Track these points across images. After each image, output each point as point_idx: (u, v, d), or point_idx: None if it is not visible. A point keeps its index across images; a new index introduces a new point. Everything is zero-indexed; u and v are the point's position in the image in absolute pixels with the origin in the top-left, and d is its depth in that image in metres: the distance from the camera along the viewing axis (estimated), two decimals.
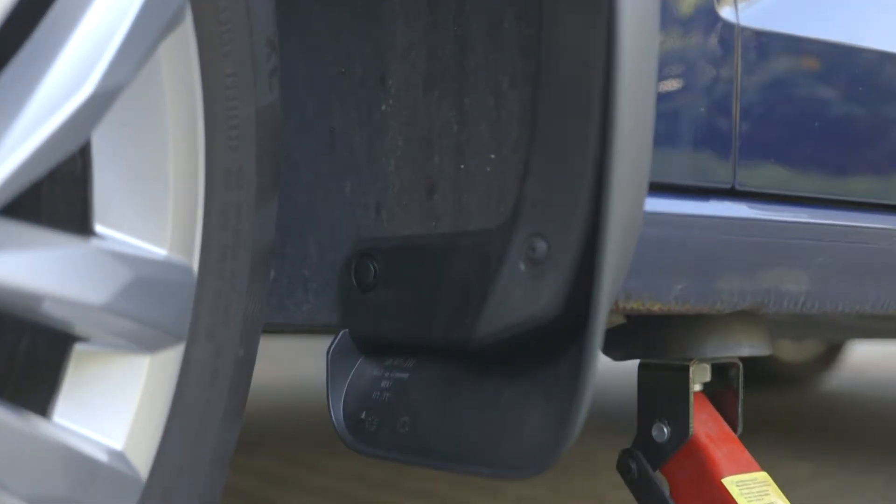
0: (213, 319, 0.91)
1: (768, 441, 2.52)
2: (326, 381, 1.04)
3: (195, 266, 0.90)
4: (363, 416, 1.02)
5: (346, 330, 1.05)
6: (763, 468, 1.11)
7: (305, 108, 1.09)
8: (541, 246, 0.87)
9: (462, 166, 0.97)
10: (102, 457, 0.83)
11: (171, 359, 0.89)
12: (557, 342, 0.89)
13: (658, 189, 0.93)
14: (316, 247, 1.09)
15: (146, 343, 0.87)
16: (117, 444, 0.86)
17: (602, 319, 0.82)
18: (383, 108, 1.03)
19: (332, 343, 1.05)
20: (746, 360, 1.15)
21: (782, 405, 3.26)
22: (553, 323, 0.88)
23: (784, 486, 1.17)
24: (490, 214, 0.96)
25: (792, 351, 3.44)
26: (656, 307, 0.93)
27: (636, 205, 0.86)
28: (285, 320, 1.10)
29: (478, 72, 0.96)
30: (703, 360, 1.11)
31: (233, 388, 0.94)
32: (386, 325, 1.02)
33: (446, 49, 0.99)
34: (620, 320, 1.12)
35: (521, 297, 0.88)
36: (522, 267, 0.88)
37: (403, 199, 1.02)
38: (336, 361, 1.04)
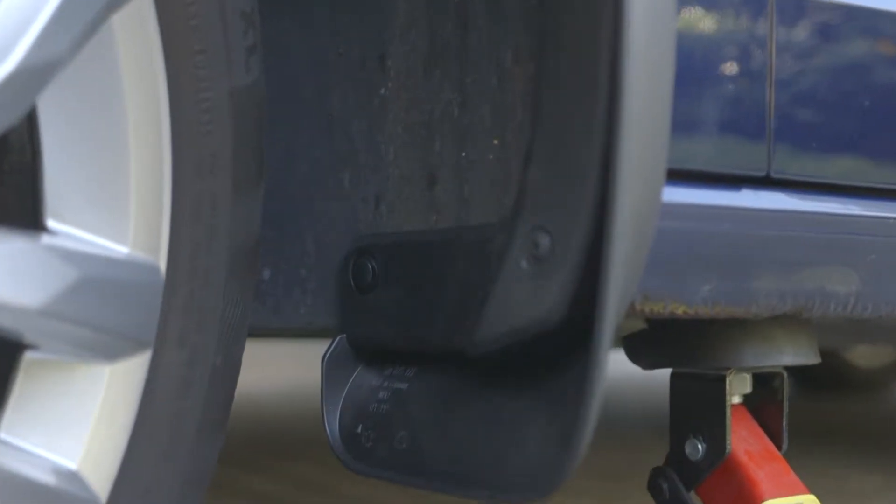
0: (184, 324, 0.83)
1: (838, 451, 2.39)
2: (321, 390, 0.95)
3: (163, 264, 0.81)
4: (359, 430, 0.92)
5: (344, 335, 0.96)
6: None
7: (303, 92, 1.00)
8: (544, 241, 0.77)
9: (463, 154, 0.88)
10: (50, 478, 0.75)
11: (135, 367, 0.80)
12: (564, 350, 0.78)
13: (681, 177, 0.83)
14: (313, 244, 1.00)
15: (104, 350, 0.78)
16: (71, 463, 0.77)
17: (610, 324, 0.72)
18: (383, 91, 0.94)
19: (327, 349, 0.95)
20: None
21: (854, 413, 3.11)
22: (558, 328, 0.77)
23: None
24: (493, 207, 0.86)
25: (866, 356, 3.29)
26: (680, 310, 0.83)
27: (650, 194, 0.75)
28: (282, 324, 1.02)
29: (480, 49, 0.87)
30: (742, 370, 1.00)
31: (210, 400, 0.85)
32: (385, 329, 0.93)
33: (447, 25, 0.89)
34: (643, 325, 1.01)
35: (522, 298, 0.78)
36: (524, 265, 0.78)
37: (403, 191, 0.93)
38: (332, 369, 0.95)
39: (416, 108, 0.92)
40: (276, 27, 0.99)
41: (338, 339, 0.96)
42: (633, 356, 1.04)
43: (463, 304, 0.85)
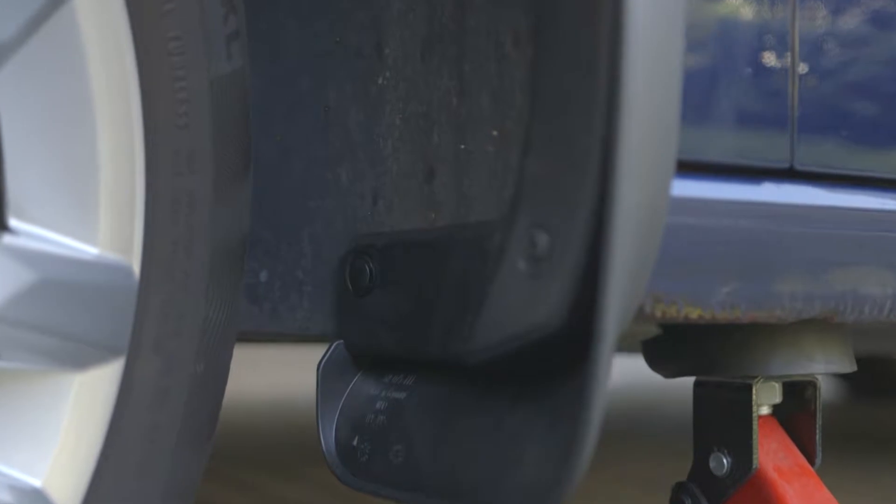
0: (161, 330, 0.77)
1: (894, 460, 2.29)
2: (316, 399, 0.89)
3: (136, 266, 0.76)
4: (356, 442, 0.86)
5: (341, 341, 0.90)
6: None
7: (299, 83, 0.94)
8: (542, 239, 0.71)
9: (462, 146, 0.82)
10: (7, 497, 0.69)
11: (106, 376, 0.75)
12: (566, 359, 0.72)
13: (695, 169, 0.76)
14: (310, 244, 0.94)
15: (71, 358, 0.73)
16: (35, 480, 0.72)
17: (611, 331, 0.65)
18: (380, 80, 0.89)
19: (324, 356, 0.90)
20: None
21: None
22: (559, 335, 0.71)
23: None
24: (492, 202, 0.80)
25: None
26: (695, 314, 0.76)
27: (657, 187, 0.68)
28: (278, 329, 0.96)
29: (479, 33, 0.80)
30: (769, 378, 0.93)
31: (190, 410, 0.80)
32: (383, 334, 0.87)
33: (446, 8, 0.83)
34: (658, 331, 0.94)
35: (520, 302, 0.72)
36: (521, 265, 0.72)
37: (401, 187, 0.87)
38: (328, 377, 0.89)
39: (414, 97, 0.86)
40: (271, 15, 0.93)
41: (335, 344, 0.90)
42: (653, 363, 0.97)
43: (460, 308, 0.79)
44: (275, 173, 0.95)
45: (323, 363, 0.90)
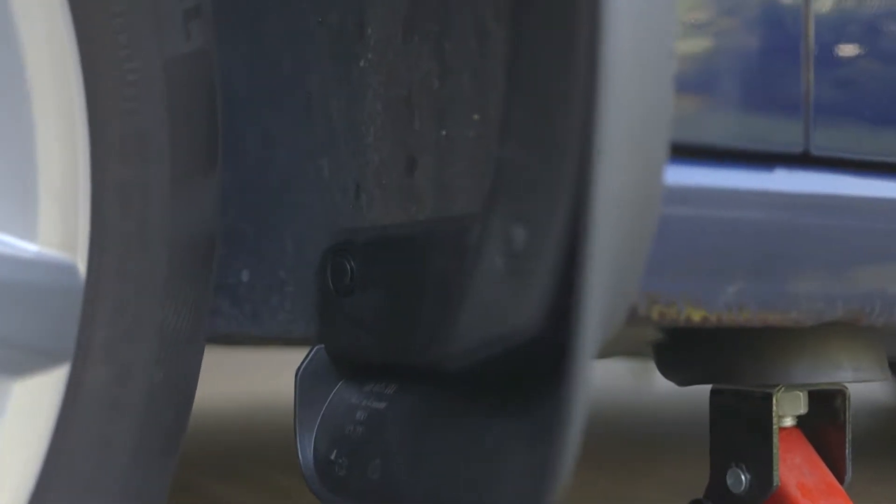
0: (112, 334, 0.71)
1: None
2: (294, 409, 0.82)
3: (82, 265, 0.70)
4: (333, 456, 0.79)
5: (322, 346, 0.83)
6: None
7: (281, 68, 0.88)
8: (519, 234, 0.63)
9: (443, 132, 0.75)
10: None
11: (48, 385, 0.69)
12: (548, 367, 0.64)
13: (698, 154, 0.68)
14: (292, 241, 0.88)
15: (5, 365, 0.67)
16: None
17: (590, 335, 0.58)
18: (362, 63, 0.82)
19: (303, 362, 0.83)
20: None
21: None
22: (539, 340, 0.64)
23: None
24: (474, 194, 0.73)
25: None
26: (698, 316, 0.68)
27: (647, 173, 0.61)
28: (260, 331, 0.89)
29: (460, 7, 0.73)
30: (793, 387, 0.85)
31: (148, 423, 0.73)
32: (364, 338, 0.80)
33: None
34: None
35: (498, 303, 0.65)
36: (499, 262, 0.65)
37: (383, 178, 0.80)
38: (308, 385, 0.82)
39: (395, 80, 0.79)
40: None
41: (315, 349, 0.83)
42: (665, 369, 0.89)
43: (440, 310, 0.72)
44: (256, 165, 0.89)
45: (302, 369, 0.83)
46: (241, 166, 0.89)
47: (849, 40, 0.71)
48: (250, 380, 2.65)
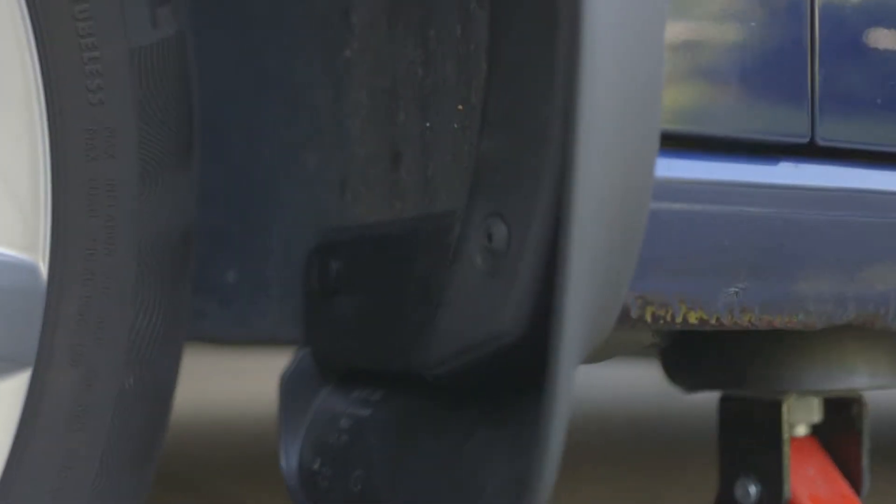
0: (77, 337, 0.67)
1: None
2: (279, 416, 0.78)
3: (43, 265, 0.66)
4: (317, 466, 0.76)
5: (308, 350, 0.79)
6: None
7: (266, 59, 0.84)
8: (499, 230, 0.59)
9: (427, 124, 0.71)
10: None
11: (7, 392, 0.65)
12: (531, 374, 0.60)
13: (697, 145, 0.63)
14: (279, 239, 0.84)
15: None
16: None
17: (571, 339, 0.54)
18: (347, 53, 0.78)
19: (288, 367, 0.79)
20: None
21: None
22: (520, 345, 0.59)
23: None
24: (458, 189, 0.68)
25: None
26: (695, 318, 0.63)
27: (635, 164, 0.56)
28: (246, 333, 0.86)
29: None
30: (806, 394, 0.80)
31: (119, 430, 0.70)
32: (349, 342, 0.76)
33: None
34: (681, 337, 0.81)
35: (477, 305, 0.61)
36: (479, 261, 0.60)
37: (368, 173, 0.76)
38: (293, 391, 0.79)
39: (380, 70, 0.76)
40: None
41: (300, 354, 0.80)
42: (672, 375, 0.84)
43: (423, 313, 0.67)
44: (241, 160, 0.86)
45: (287, 375, 0.79)
46: (225, 162, 0.86)
47: (853, 25, 0.66)
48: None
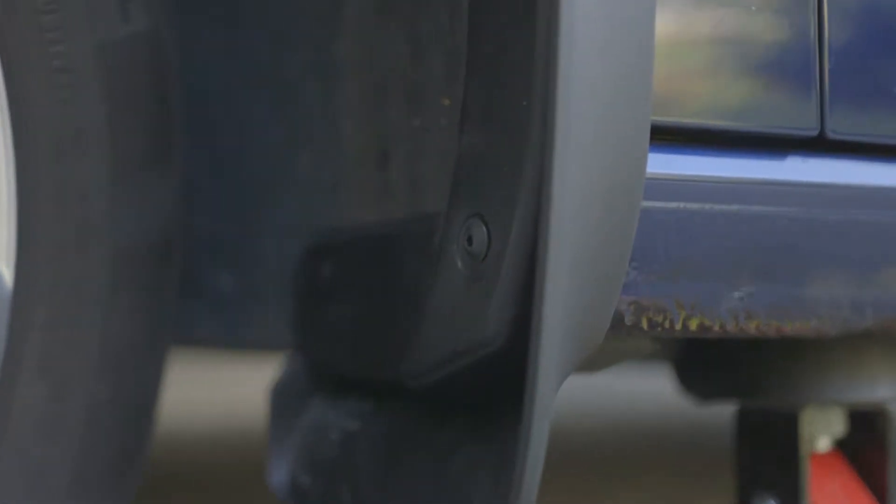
0: (46, 347, 0.64)
1: None
2: (268, 427, 0.75)
3: (7, 272, 0.63)
4: (306, 480, 0.72)
5: (297, 359, 0.76)
6: None
7: (258, 55, 0.81)
8: (479, 232, 0.55)
9: (416, 122, 0.67)
10: None
11: None
12: (515, 385, 0.56)
13: (697, 139, 0.59)
14: (272, 242, 0.80)
15: None
16: None
17: (552, 349, 0.50)
18: (338, 47, 0.74)
19: (277, 377, 0.76)
20: None
21: None
22: (503, 354, 0.55)
23: None
24: (442, 189, 0.64)
25: None
26: (695, 325, 0.59)
27: (624, 160, 0.52)
28: (237, 340, 0.83)
29: None
30: (829, 406, 0.75)
31: (92, 445, 0.66)
32: (340, 350, 0.72)
33: None
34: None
35: (458, 311, 0.57)
36: (460, 265, 0.56)
37: (359, 173, 0.73)
38: (283, 401, 0.75)
39: (370, 65, 0.72)
40: None
41: (290, 362, 0.76)
42: (686, 384, 0.80)
43: (409, 319, 0.63)
44: (232, 161, 0.82)
45: (276, 384, 0.75)
46: (217, 162, 0.83)
47: (865, 9, 0.61)
48: None
